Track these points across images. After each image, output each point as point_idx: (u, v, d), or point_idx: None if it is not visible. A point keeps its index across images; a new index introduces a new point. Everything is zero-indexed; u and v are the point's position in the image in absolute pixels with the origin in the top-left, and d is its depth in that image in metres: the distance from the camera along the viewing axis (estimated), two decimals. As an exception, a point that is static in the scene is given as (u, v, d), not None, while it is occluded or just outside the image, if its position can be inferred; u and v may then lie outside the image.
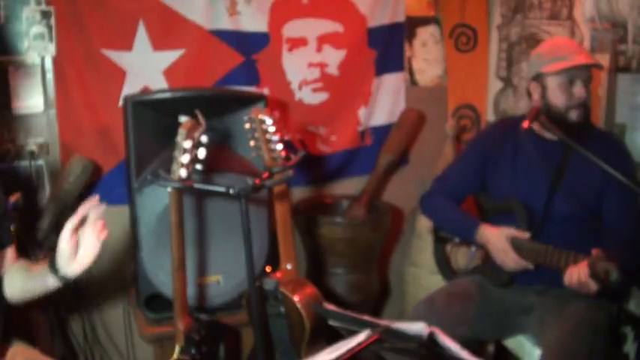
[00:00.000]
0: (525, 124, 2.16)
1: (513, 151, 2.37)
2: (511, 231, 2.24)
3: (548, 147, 2.28)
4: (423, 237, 3.22)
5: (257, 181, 1.86)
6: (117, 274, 2.87)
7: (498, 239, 2.26)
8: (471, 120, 3.49)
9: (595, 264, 1.92)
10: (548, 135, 2.25)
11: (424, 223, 3.23)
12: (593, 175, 2.21)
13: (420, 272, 3.21)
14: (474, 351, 2.40)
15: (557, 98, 2.22)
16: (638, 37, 2.40)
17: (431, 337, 1.52)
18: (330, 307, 1.70)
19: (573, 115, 2.20)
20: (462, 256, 2.65)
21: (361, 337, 1.16)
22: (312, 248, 3.08)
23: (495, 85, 3.38)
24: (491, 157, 2.42)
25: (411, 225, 3.36)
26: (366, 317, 1.59)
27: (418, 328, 1.52)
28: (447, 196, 2.49)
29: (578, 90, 2.19)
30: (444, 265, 2.61)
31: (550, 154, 2.28)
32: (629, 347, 2.37)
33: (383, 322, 1.53)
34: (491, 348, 2.61)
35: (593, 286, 1.95)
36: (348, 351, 1.09)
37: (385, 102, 3.37)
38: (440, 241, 2.59)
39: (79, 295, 2.79)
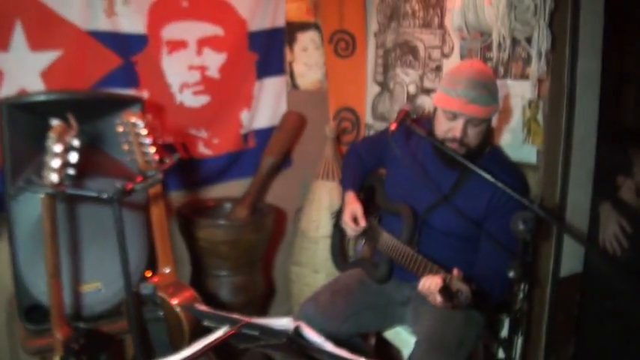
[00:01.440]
0: (392, 127, 2.24)
1: (416, 153, 2.40)
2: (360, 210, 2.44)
3: (449, 160, 2.23)
4: (305, 236, 3.30)
5: (128, 185, 1.85)
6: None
7: (350, 204, 2.49)
8: (351, 122, 3.60)
9: (450, 280, 1.95)
10: (453, 148, 2.18)
11: (306, 224, 3.31)
12: (481, 198, 2.22)
13: (304, 271, 3.28)
14: (357, 344, 2.53)
15: (437, 126, 2.22)
16: (504, 45, 2.54)
17: (297, 331, 1.58)
18: (202, 307, 1.73)
19: (451, 145, 2.17)
20: (352, 248, 2.78)
21: (219, 332, 1.19)
22: (196, 252, 3.08)
23: (373, 89, 3.50)
24: (392, 154, 2.48)
25: (294, 225, 3.43)
26: (237, 315, 1.63)
27: (284, 322, 1.58)
28: (356, 154, 2.71)
29: (455, 128, 2.15)
30: (338, 252, 2.73)
31: (449, 167, 2.27)
32: (505, 333, 2.56)
33: (253, 320, 1.58)
34: (372, 340, 2.71)
35: (439, 298, 1.96)
36: (205, 346, 1.12)
37: (267, 105, 3.41)
38: (338, 229, 2.69)
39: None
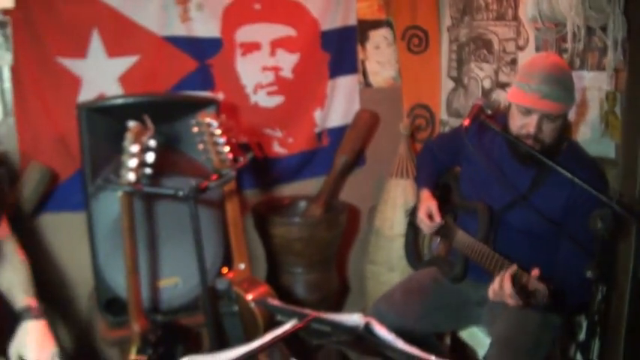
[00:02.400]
0: (466, 122, 2.21)
1: (491, 151, 2.36)
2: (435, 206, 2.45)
3: (525, 157, 2.19)
4: (380, 235, 3.30)
5: (203, 183, 1.91)
6: (78, 279, 2.92)
7: (426, 202, 2.50)
8: (425, 119, 3.57)
9: (528, 280, 1.93)
10: (528, 144, 2.12)
11: (381, 222, 3.31)
12: (559, 196, 2.18)
13: (380, 269, 3.28)
14: (432, 344, 2.51)
15: (511, 121, 2.18)
16: (579, 35, 2.47)
17: (367, 327, 1.58)
18: (274, 302, 1.76)
19: (525, 141, 2.12)
20: (427, 246, 2.76)
21: (288, 325, 1.21)
22: (271, 249, 3.13)
23: (447, 84, 3.46)
24: (467, 152, 2.44)
25: (369, 223, 3.43)
26: (308, 310, 1.65)
27: (355, 319, 1.58)
28: (430, 152, 2.73)
29: (529, 124, 2.10)
30: (412, 249, 2.72)
31: (525, 164, 2.22)
32: (583, 336, 2.48)
33: (323, 315, 1.59)
34: (447, 340, 2.68)
35: (514, 298, 1.95)
36: (274, 338, 1.14)
37: (340, 103, 3.43)
38: (412, 227, 2.69)
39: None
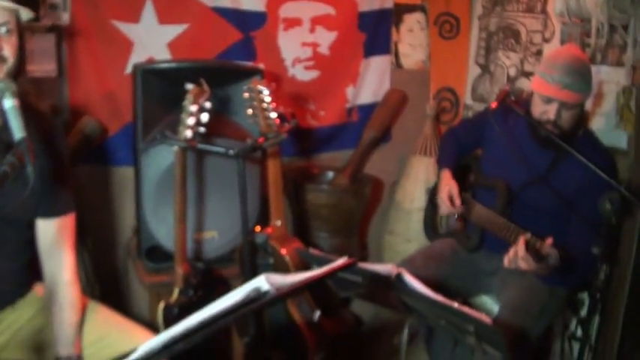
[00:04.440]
0: (493, 105, 2.40)
1: (513, 134, 2.52)
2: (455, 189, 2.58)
3: (545, 141, 2.35)
4: (400, 208, 3.48)
5: (257, 141, 2.10)
6: (118, 228, 3.14)
7: (447, 183, 2.63)
8: (450, 102, 3.74)
9: (541, 243, 2.09)
10: (548, 129, 2.30)
11: (402, 196, 3.49)
12: (573, 178, 2.32)
13: (397, 240, 3.47)
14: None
15: (533, 108, 2.35)
16: (602, 31, 2.63)
17: (398, 277, 1.77)
18: (313, 251, 1.95)
19: (546, 127, 2.29)
20: (445, 221, 2.93)
21: (336, 263, 1.38)
22: (299, 213, 3.33)
23: (474, 70, 3.62)
24: (491, 133, 2.61)
25: (390, 197, 3.62)
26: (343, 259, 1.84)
27: (387, 268, 1.77)
28: (454, 136, 2.86)
29: (550, 111, 2.27)
30: (430, 223, 2.90)
31: (544, 147, 2.38)
32: (584, 312, 2.66)
33: (358, 264, 1.78)
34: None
35: (527, 262, 2.09)
36: (322, 273, 1.30)
37: (371, 82, 3.61)
38: (432, 204, 2.85)
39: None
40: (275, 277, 1.13)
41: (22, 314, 1.93)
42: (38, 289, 1.98)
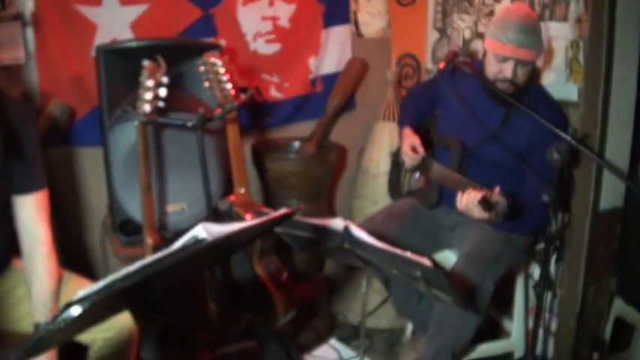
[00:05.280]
0: (441, 66, 2.50)
1: (464, 93, 2.63)
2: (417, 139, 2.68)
3: (498, 98, 2.46)
4: (367, 173, 3.58)
5: (207, 113, 2.20)
6: (93, 207, 3.24)
7: (407, 136, 2.73)
8: (412, 68, 3.84)
9: (490, 194, 2.20)
10: (502, 87, 2.41)
11: (368, 161, 3.60)
12: (524, 132, 2.44)
13: (365, 204, 3.56)
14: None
15: (487, 67, 2.45)
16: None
17: (346, 230, 1.88)
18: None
19: (501, 86, 2.40)
20: (408, 183, 3.05)
21: (276, 213, 1.49)
22: (268, 183, 3.44)
23: (433, 35, 3.70)
24: (443, 94, 2.73)
25: (358, 163, 3.73)
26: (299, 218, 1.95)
27: (336, 223, 1.89)
28: (411, 98, 2.99)
29: (506, 69, 2.37)
30: (394, 185, 3.02)
31: (497, 104, 2.50)
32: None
33: (307, 220, 1.90)
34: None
35: (477, 210, 2.23)
36: (259, 222, 1.41)
37: (333, 52, 3.69)
38: (396, 166, 2.98)
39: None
40: (212, 227, 1.23)
41: (1, 287, 2.05)
42: (16, 263, 2.10)
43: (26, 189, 2.00)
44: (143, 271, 1.11)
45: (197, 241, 1.18)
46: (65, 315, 1.08)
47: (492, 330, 3.07)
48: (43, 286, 1.97)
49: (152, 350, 1.32)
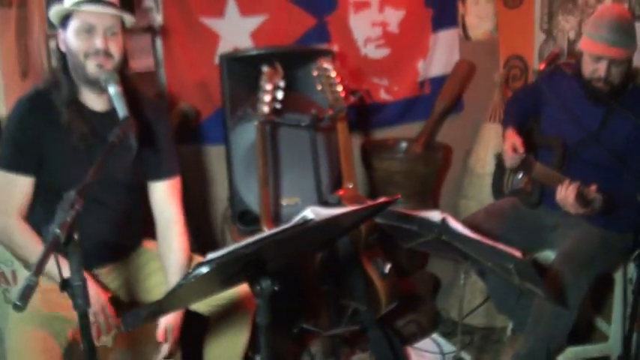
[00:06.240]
0: (541, 67, 2.59)
1: (565, 94, 2.67)
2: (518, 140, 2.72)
3: (596, 98, 2.52)
4: (473, 173, 3.68)
5: (320, 114, 2.41)
6: (215, 199, 3.54)
7: (509, 137, 2.76)
8: (519, 69, 3.88)
9: (587, 190, 2.29)
10: (598, 86, 2.47)
11: (475, 162, 3.69)
12: (624, 132, 2.48)
13: (470, 204, 3.65)
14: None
15: (584, 67, 2.52)
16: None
17: (444, 222, 2.02)
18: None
19: (597, 84, 2.46)
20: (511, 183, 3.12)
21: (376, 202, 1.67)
22: (375, 181, 3.61)
23: (539, 37, 3.73)
24: (545, 95, 2.79)
25: (464, 163, 3.82)
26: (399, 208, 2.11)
27: (434, 214, 2.03)
28: (515, 100, 3.03)
29: (600, 69, 2.43)
30: (498, 185, 3.09)
31: (595, 104, 2.54)
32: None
33: (407, 211, 2.05)
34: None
35: (574, 204, 2.32)
36: (363, 207, 1.60)
37: (441, 55, 3.82)
38: (500, 166, 3.06)
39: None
40: (320, 210, 1.43)
41: (133, 264, 2.37)
42: (147, 244, 2.40)
43: (160, 175, 2.28)
44: (260, 242, 1.33)
45: (305, 221, 1.37)
46: (196, 272, 1.31)
47: (590, 333, 3.10)
48: (177, 260, 2.23)
49: (267, 315, 1.53)
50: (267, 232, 1.39)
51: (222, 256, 1.31)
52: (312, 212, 1.39)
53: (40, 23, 2.89)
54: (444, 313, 3.49)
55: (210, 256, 1.31)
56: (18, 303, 1.23)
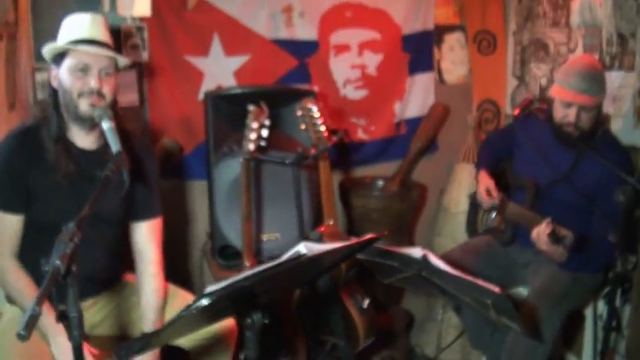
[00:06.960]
0: (516, 112, 2.71)
1: (538, 137, 2.79)
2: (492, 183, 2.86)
3: (567, 142, 2.62)
4: (448, 212, 3.77)
5: (305, 152, 2.49)
6: (195, 234, 3.59)
7: (483, 180, 2.91)
8: (492, 113, 4.03)
9: (558, 228, 2.38)
10: (568, 131, 2.57)
11: (448, 201, 3.79)
12: (594, 175, 2.57)
13: (445, 241, 3.74)
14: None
15: (555, 113, 2.63)
16: (611, 40, 2.90)
17: (424, 258, 2.09)
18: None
19: (567, 129, 2.57)
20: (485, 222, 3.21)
21: (364, 237, 1.73)
22: (352, 218, 3.68)
23: (512, 83, 3.90)
24: (519, 138, 2.92)
25: (439, 202, 3.93)
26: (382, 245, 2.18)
27: (415, 251, 2.10)
28: (488, 143, 3.20)
29: (570, 114, 2.55)
30: (472, 224, 3.18)
31: (567, 148, 2.65)
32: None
33: (388, 248, 2.12)
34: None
35: (547, 243, 2.40)
36: (352, 243, 1.66)
37: (417, 97, 3.94)
38: (473, 206, 3.15)
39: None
40: (312, 245, 1.50)
41: (115, 297, 2.39)
42: (129, 277, 2.43)
43: (143, 216, 2.33)
44: (258, 274, 1.39)
45: (299, 256, 1.44)
46: (197, 304, 1.36)
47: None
48: (150, 302, 2.26)
49: (256, 349, 1.59)
50: (265, 265, 1.44)
51: (223, 288, 1.36)
52: (305, 247, 1.46)
53: (28, 55, 2.94)
54: (418, 349, 3.54)
55: (211, 288, 1.37)
56: (22, 333, 1.26)
